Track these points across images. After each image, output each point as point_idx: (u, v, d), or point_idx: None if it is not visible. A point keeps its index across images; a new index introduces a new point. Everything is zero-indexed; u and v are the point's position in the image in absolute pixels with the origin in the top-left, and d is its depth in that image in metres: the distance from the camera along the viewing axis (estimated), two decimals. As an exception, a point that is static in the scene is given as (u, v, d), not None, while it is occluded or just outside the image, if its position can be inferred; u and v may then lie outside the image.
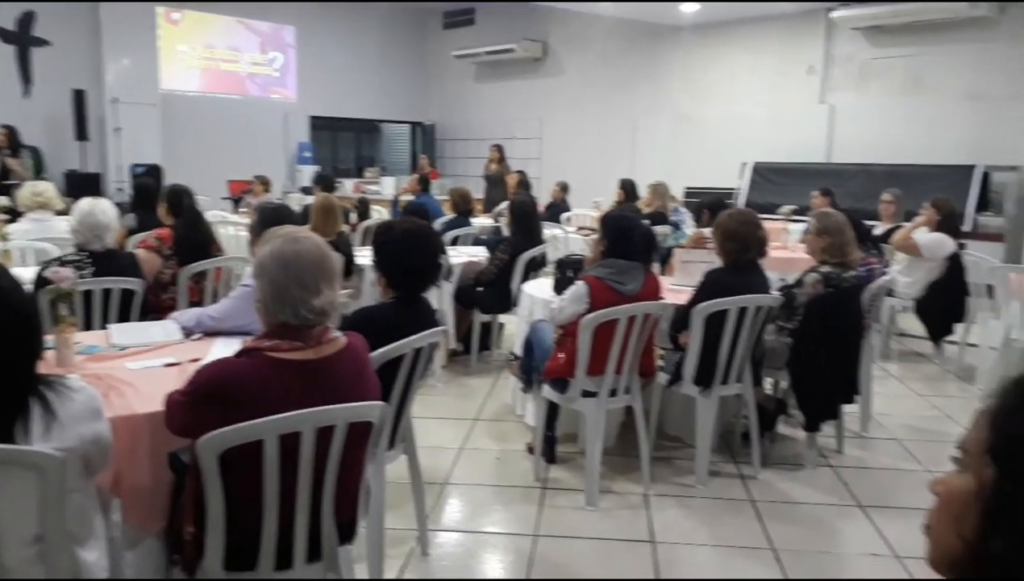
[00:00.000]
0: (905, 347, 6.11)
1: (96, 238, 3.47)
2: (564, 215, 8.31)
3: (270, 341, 1.76)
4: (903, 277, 5.64)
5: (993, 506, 0.76)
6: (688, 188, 9.87)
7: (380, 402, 1.88)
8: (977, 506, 0.77)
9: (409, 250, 2.54)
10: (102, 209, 3.50)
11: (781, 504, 3.38)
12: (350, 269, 4.55)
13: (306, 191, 9.92)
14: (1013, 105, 8.22)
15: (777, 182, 9.40)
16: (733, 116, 10.26)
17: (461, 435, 4.10)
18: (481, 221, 7.43)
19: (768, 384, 4.09)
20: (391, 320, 2.44)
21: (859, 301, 3.79)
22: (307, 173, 11.22)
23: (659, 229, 6.42)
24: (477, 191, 10.09)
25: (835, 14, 9.21)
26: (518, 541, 3.03)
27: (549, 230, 6.86)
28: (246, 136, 11.64)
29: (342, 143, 13.90)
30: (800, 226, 6.12)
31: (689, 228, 6.55)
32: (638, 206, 7.42)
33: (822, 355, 3.61)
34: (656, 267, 4.56)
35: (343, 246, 4.55)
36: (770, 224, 7.19)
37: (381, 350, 2.27)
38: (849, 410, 3.98)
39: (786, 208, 6.69)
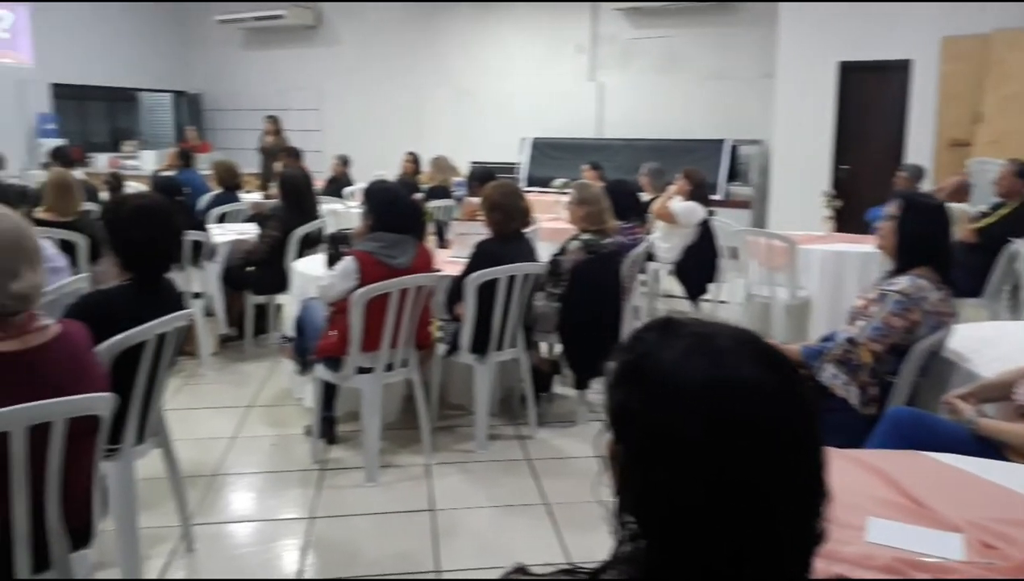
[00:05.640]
0: (670, 307, 6.63)
1: None
2: (346, 189, 8.10)
3: (-39, 332, 1.53)
4: (662, 243, 6.09)
5: (615, 464, 0.83)
6: (473, 162, 10.00)
7: (105, 394, 1.70)
8: (612, 462, 0.83)
9: (141, 227, 2.31)
10: None
11: (555, 460, 3.54)
12: (97, 251, 4.10)
13: (45, 167, 8.85)
14: (752, 84, 9.13)
15: (553, 156, 9.80)
16: (512, 92, 10.51)
17: (234, 423, 3.88)
18: (253, 197, 7.04)
19: (544, 347, 4.26)
20: (125, 305, 2.22)
21: (619, 265, 4.04)
22: (49, 147, 9.98)
23: (441, 203, 6.46)
24: (252, 165, 9.57)
25: (599, -5, 9.70)
26: (293, 525, 2.93)
27: (328, 205, 6.67)
28: (-31, 105, 10.12)
29: (93, 114, 12.50)
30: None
31: (471, 202, 6.64)
32: (420, 179, 7.40)
33: (587, 317, 3.81)
34: (434, 240, 4.59)
35: (87, 226, 4.09)
36: (545, 197, 7.58)
37: (116, 338, 2.06)
38: (616, 367, 4.24)
39: (558, 181, 6.98)
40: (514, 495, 3.19)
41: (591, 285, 3.82)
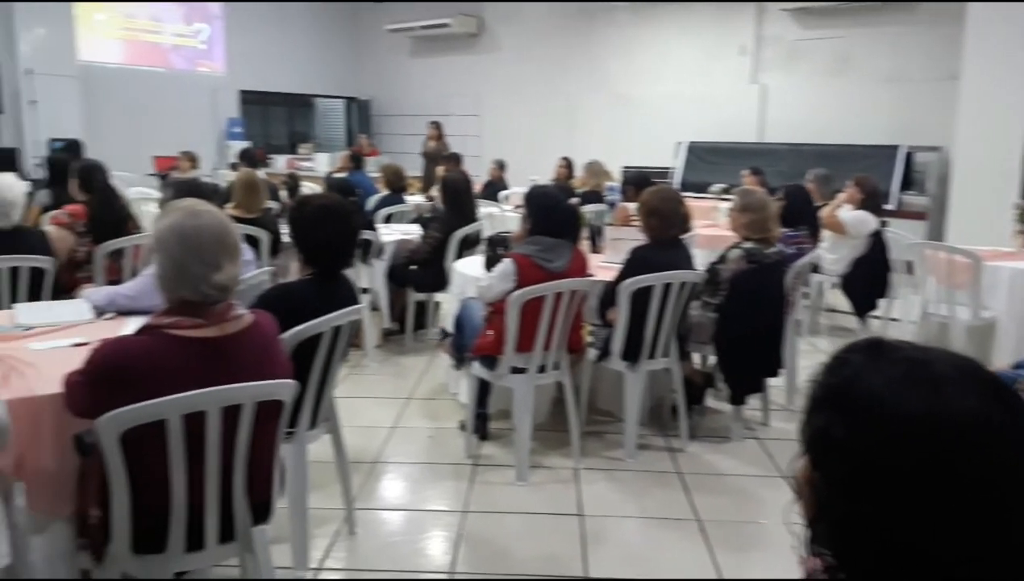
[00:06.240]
0: (834, 322, 6.28)
1: (1, 215, 3.31)
2: (501, 193, 8.28)
3: (170, 318, 1.70)
4: (829, 254, 5.78)
5: (810, 492, 0.79)
6: (626, 167, 9.88)
7: (289, 381, 1.83)
8: (806, 489, 0.79)
9: (323, 226, 2.48)
10: (7, 185, 3.33)
11: (707, 476, 3.44)
12: (277, 246, 4.43)
13: (234, 168, 9.67)
14: (932, 87, 8.48)
15: (710, 161, 9.54)
16: (668, 95, 10.34)
17: (394, 414, 4.06)
18: (416, 199, 7.35)
19: (697, 358, 4.16)
20: (307, 297, 2.38)
21: (782, 276, 3.87)
22: (237, 149, 10.92)
23: (594, 207, 6.46)
24: (415, 168, 9.99)
25: (766, -5, 9.36)
26: (447, 517, 3.03)
27: (485, 208, 6.84)
28: (172, 111, 11.22)
29: (274, 118, 13.54)
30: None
31: (624, 206, 6.59)
32: (572, 184, 7.44)
33: (746, 330, 3.68)
34: (587, 245, 4.60)
35: (269, 223, 4.44)
36: (702, 202, 7.39)
37: (297, 328, 2.21)
38: (775, 383, 4.08)
39: (716, 187, 6.79)
40: (664, 508, 3.13)
41: (751, 296, 3.68)
